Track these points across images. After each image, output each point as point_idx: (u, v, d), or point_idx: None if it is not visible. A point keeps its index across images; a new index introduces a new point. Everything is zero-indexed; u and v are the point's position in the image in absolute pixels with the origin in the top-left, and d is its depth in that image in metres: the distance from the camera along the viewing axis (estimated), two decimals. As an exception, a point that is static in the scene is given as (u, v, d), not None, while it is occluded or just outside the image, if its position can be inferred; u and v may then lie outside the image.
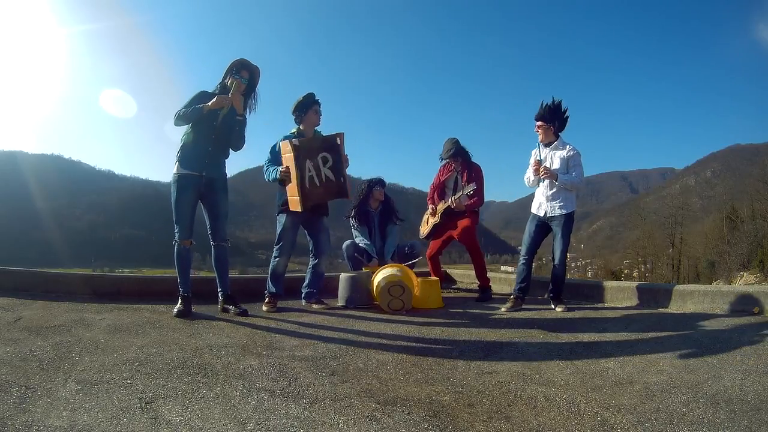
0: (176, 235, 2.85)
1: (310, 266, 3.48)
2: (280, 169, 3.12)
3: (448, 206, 4.08)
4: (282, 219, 3.30)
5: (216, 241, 3.00)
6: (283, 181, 3.13)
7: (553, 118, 3.42)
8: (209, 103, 2.81)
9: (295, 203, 3.09)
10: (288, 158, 3.08)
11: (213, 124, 2.88)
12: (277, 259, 3.31)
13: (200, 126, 2.85)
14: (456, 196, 3.99)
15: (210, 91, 2.96)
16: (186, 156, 2.85)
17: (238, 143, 3.02)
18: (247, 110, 3.02)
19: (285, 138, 3.28)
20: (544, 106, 3.42)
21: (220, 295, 3.02)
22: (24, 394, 1.46)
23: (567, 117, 3.46)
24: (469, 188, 3.87)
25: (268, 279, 3.28)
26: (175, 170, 2.85)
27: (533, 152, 3.56)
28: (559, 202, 3.39)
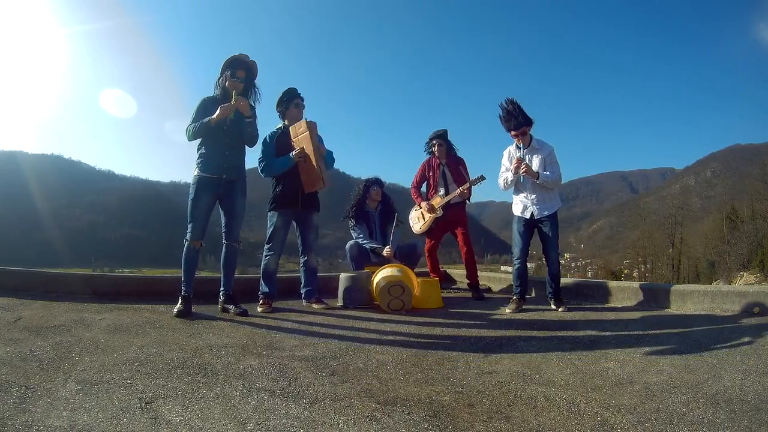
0: (188, 234, 2.86)
1: (301, 264, 3.48)
2: (293, 153, 3.14)
3: (451, 196, 4.13)
4: (273, 217, 3.31)
5: (228, 240, 3.01)
6: (297, 164, 3.15)
7: (527, 119, 3.39)
8: (214, 116, 2.83)
9: (314, 181, 3.12)
10: (303, 138, 3.09)
11: (224, 129, 2.90)
12: (268, 257, 3.30)
13: (212, 134, 2.88)
14: (465, 187, 4.07)
15: (211, 95, 2.98)
16: (205, 161, 2.89)
17: (251, 142, 3.07)
18: (254, 108, 3.02)
19: (272, 133, 3.34)
20: (512, 113, 3.35)
21: (221, 294, 3.02)
22: (24, 394, 1.46)
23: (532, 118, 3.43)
24: (478, 179, 4.05)
25: (261, 279, 3.27)
26: (195, 173, 2.90)
27: (505, 153, 3.56)
28: (546, 204, 3.41)
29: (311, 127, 3.15)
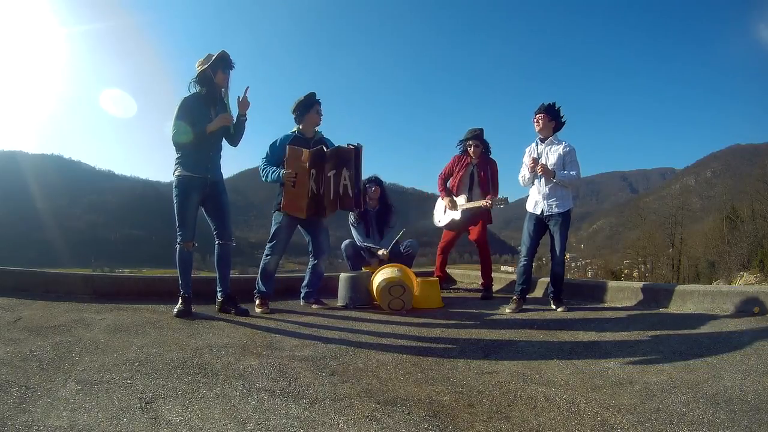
0: (179, 237, 2.84)
1: (309, 266, 3.47)
2: (283, 171, 3.09)
3: (472, 205, 4.08)
4: (278, 217, 3.29)
5: (223, 239, 2.99)
6: (284, 183, 3.11)
7: (555, 115, 3.46)
8: (212, 126, 2.81)
9: (298, 209, 3.08)
10: (300, 166, 3.05)
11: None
12: (269, 257, 3.28)
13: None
14: (489, 202, 3.96)
15: (188, 93, 2.88)
16: (188, 160, 2.84)
17: (236, 140, 3.01)
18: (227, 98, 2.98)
19: (285, 137, 3.28)
20: (546, 104, 3.47)
21: (219, 295, 3.01)
22: (24, 394, 1.46)
23: (564, 121, 3.52)
24: (501, 201, 3.93)
25: (258, 278, 3.24)
26: (177, 173, 2.83)
27: (527, 150, 3.58)
28: (556, 201, 3.39)
29: (355, 152, 3.22)
